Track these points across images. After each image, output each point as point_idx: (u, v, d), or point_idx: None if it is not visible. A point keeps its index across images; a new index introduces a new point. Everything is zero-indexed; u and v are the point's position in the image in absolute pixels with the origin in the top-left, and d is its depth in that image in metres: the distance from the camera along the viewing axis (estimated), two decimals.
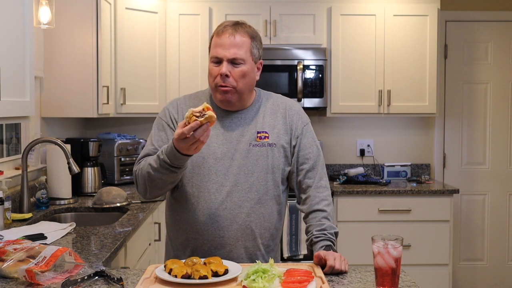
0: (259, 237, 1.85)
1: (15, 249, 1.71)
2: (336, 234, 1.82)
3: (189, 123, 1.58)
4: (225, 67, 1.77)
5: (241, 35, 1.80)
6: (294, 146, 1.89)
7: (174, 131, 1.85)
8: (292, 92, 3.95)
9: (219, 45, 1.79)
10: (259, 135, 1.85)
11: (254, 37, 1.84)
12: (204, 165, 1.81)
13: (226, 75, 1.78)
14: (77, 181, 3.34)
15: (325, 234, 1.79)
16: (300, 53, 3.98)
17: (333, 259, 1.65)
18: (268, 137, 1.85)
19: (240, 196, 1.81)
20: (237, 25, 1.82)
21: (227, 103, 1.83)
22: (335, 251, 1.76)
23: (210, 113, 1.58)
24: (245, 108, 1.88)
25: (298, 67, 3.92)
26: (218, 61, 1.80)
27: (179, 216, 1.87)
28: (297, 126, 1.90)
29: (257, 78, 1.89)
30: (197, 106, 1.87)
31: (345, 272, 1.67)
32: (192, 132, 1.57)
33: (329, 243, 1.77)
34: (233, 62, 1.79)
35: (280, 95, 1.99)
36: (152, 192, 1.81)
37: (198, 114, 1.57)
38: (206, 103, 1.60)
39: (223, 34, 1.79)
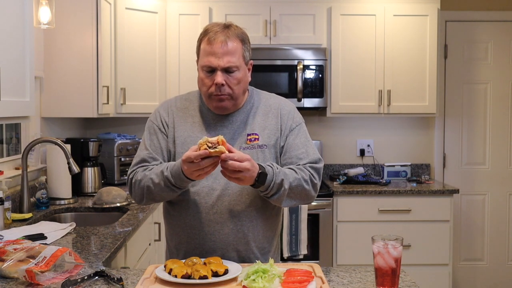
0: (252, 240, 1.82)
1: (15, 249, 1.71)
2: (281, 183, 1.70)
3: (199, 149, 1.57)
4: (220, 77, 1.74)
5: (232, 41, 1.76)
6: (283, 146, 1.85)
7: (165, 135, 1.86)
8: (292, 92, 3.95)
9: (212, 54, 1.74)
10: (249, 137, 1.82)
11: (243, 39, 1.81)
12: None
13: (222, 84, 1.75)
14: (77, 181, 3.34)
15: (272, 167, 1.70)
16: (300, 53, 3.98)
17: (242, 157, 1.59)
18: (258, 139, 1.82)
19: (231, 199, 1.79)
20: (227, 30, 1.77)
21: (222, 109, 1.81)
22: (264, 177, 1.66)
23: (222, 148, 1.56)
24: (236, 110, 1.86)
25: (298, 67, 3.92)
26: (211, 70, 1.76)
27: (172, 220, 1.87)
28: (287, 125, 1.86)
29: (249, 79, 1.87)
30: (188, 108, 1.89)
31: (238, 177, 1.60)
32: (200, 160, 1.56)
33: (268, 168, 1.68)
34: (227, 70, 1.75)
35: (274, 94, 1.96)
36: (147, 202, 1.82)
37: (210, 145, 1.56)
38: (222, 136, 1.59)
39: (214, 42, 1.74)
